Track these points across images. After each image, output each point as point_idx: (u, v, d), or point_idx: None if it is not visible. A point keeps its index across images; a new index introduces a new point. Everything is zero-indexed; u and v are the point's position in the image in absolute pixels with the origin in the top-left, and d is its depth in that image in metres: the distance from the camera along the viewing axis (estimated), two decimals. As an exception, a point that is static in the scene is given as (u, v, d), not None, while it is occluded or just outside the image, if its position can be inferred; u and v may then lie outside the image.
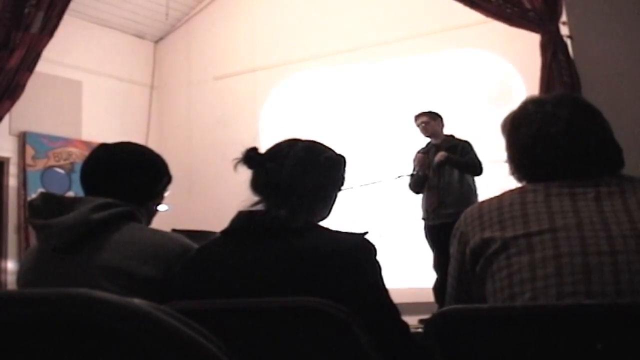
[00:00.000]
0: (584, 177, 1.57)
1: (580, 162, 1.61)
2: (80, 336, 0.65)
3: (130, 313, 0.63)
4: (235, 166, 1.87)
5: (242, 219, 1.78)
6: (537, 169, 1.65)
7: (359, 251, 1.65)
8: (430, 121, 5.95)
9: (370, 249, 1.67)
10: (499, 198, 1.63)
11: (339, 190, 1.93)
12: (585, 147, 1.62)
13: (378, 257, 1.68)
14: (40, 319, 0.64)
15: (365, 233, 1.71)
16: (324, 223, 1.87)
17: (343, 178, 1.94)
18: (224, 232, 1.80)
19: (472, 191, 5.77)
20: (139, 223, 1.94)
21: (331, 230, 1.72)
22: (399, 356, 1.62)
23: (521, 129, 1.68)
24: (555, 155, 1.62)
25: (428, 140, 6.06)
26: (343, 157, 1.93)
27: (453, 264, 1.68)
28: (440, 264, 5.60)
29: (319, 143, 1.93)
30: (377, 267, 1.67)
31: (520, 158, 1.69)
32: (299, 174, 1.81)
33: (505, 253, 1.50)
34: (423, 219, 5.93)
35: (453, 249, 1.67)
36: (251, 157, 1.86)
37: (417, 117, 6.03)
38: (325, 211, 1.91)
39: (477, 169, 5.75)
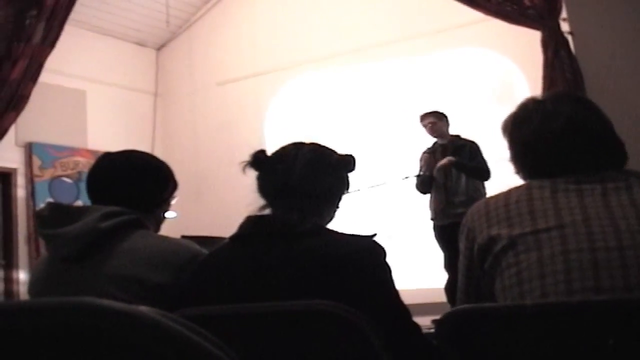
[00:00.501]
0: (588, 172, 1.58)
1: (583, 157, 1.61)
2: (87, 345, 0.65)
3: (136, 321, 0.64)
4: (244, 169, 1.86)
5: (251, 224, 1.78)
6: (541, 166, 1.65)
7: (368, 254, 1.65)
8: (437, 122, 5.90)
9: (380, 252, 1.67)
10: (506, 194, 1.63)
11: (346, 191, 1.93)
12: (587, 141, 1.63)
13: (388, 259, 1.68)
14: (46, 329, 0.65)
15: (374, 235, 1.71)
16: (332, 225, 1.87)
17: (349, 179, 1.94)
18: (233, 238, 1.80)
19: (479, 191, 5.74)
20: (147, 230, 1.95)
21: (340, 233, 1.73)
22: (411, 358, 1.62)
23: (523, 127, 1.69)
24: (557, 151, 1.63)
25: (434, 139, 6.03)
26: (353, 157, 1.93)
27: (462, 261, 1.68)
28: (451, 264, 5.58)
29: (324, 146, 1.94)
30: (387, 270, 1.67)
31: (524, 156, 1.70)
32: (309, 175, 1.81)
33: (513, 250, 1.50)
34: (432, 219, 5.91)
35: (461, 246, 1.68)
36: (260, 159, 1.86)
37: (423, 117, 5.98)
38: (333, 212, 1.91)
39: (485, 173, 5.72)
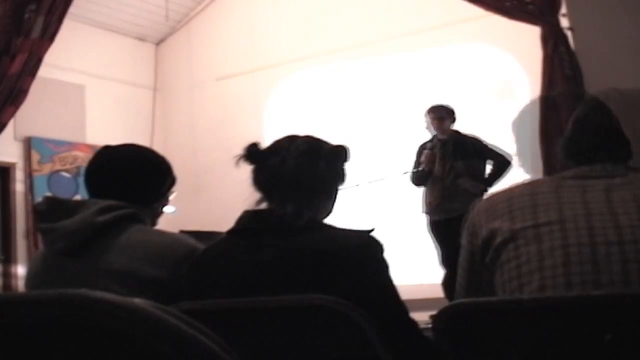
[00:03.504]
0: (593, 167, 1.59)
1: (591, 152, 1.62)
2: (83, 337, 0.66)
3: (131, 313, 0.64)
4: (237, 162, 1.87)
5: (248, 219, 1.78)
6: (577, 152, 1.67)
7: (366, 249, 1.65)
8: (445, 119, 5.83)
9: (377, 247, 1.67)
10: (510, 189, 1.63)
11: (342, 182, 1.93)
12: (594, 136, 1.64)
13: (385, 255, 1.68)
14: (42, 321, 0.65)
15: (372, 230, 1.71)
16: (330, 219, 1.87)
17: (344, 171, 1.93)
18: (231, 232, 1.80)
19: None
20: (144, 225, 1.95)
21: (337, 229, 1.72)
22: (408, 353, 1.62)
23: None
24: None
25: (433, 132, 5.98)
26: (345, 147, 1.93)
27: (463, 256, 1.68)
28: (447, 260, 5.58)
29: (318, 137, 1.93)
30: (384, 265, 1.67)
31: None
32: (302, 166, 1.80)
33: (514, 244, 1.50)
34: (425, 212, 5.90)
35: (464, 241, 1.67)
36: (253, 153, 1.85)
37: (431, 110, 5.89)
38: (329, 205, 1.90)
39: (505, 163, 5.68)
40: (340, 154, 1.91)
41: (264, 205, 1.82)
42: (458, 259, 1.72)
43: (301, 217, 1.72)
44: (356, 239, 1.67)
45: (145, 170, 2.04)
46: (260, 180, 1.85)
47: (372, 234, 1.70)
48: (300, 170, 1.80)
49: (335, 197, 1.92)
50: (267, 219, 1.75)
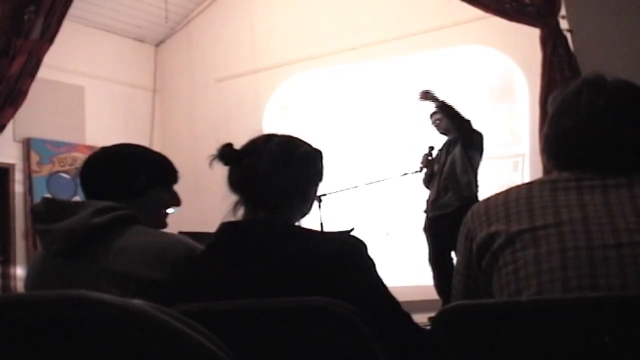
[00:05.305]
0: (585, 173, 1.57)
1: (582, 159, 1.60)
2: (81, 338, 0.66)
3: (129, 314, 0.64)
4: (211, 163, 1.86)
5: (226, 231, 1.77)
6: (567, 160, 1.62)
7: (350, 250, 1.64)
8: (443, 118, 5.89)
9: (360, 246, 1.66)
10: (506, 193, 1.62)
11: (317, 185, 1.90)
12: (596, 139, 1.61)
13: (369, 252, 1.67)
14: (41, 321, 0.65)
15: (352, 230, 1.70)
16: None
17: (321, 173, 1.90)
18: (210, 247, 1.78)
19: (471, 188, 5.68)
20: (141, 226, 1.94)
21: (317, 232, 1.71)
22: (404, 346, 1.62)
23: (564, 118, 1.65)
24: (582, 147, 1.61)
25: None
26: (319, 151, 1.90)
27: (460, 261, 1.67)
28: (434, 259, 5.57)
29: (295, 138, 1.90)
30: (370, 263, 1.67)
31: (552, 145, 1.66)
32: (274, 169, 1.77)
33: (511, 248, 1.50)
34: (424, 211, 5.90)
35: (460, 246, 1.66)
36: (226, 153, 1.84)
37: (431, 115, 5.96)
38: (305, 207, 1.88)
39: (466, 122, 5.67)
40: (313, 157, 1.88)
41: (241, 210, 1.80)
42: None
43: (274, 224, 1.70)
44: (339, 241, 1.66)
45: (116, 164, 2.03)
46: (234, 182, 1.83)
47: (352, 233, 1.69)
48: (272, 174, 1.77)
49: (311, 199, 1.89)
50: (244, 230, 1.74)
